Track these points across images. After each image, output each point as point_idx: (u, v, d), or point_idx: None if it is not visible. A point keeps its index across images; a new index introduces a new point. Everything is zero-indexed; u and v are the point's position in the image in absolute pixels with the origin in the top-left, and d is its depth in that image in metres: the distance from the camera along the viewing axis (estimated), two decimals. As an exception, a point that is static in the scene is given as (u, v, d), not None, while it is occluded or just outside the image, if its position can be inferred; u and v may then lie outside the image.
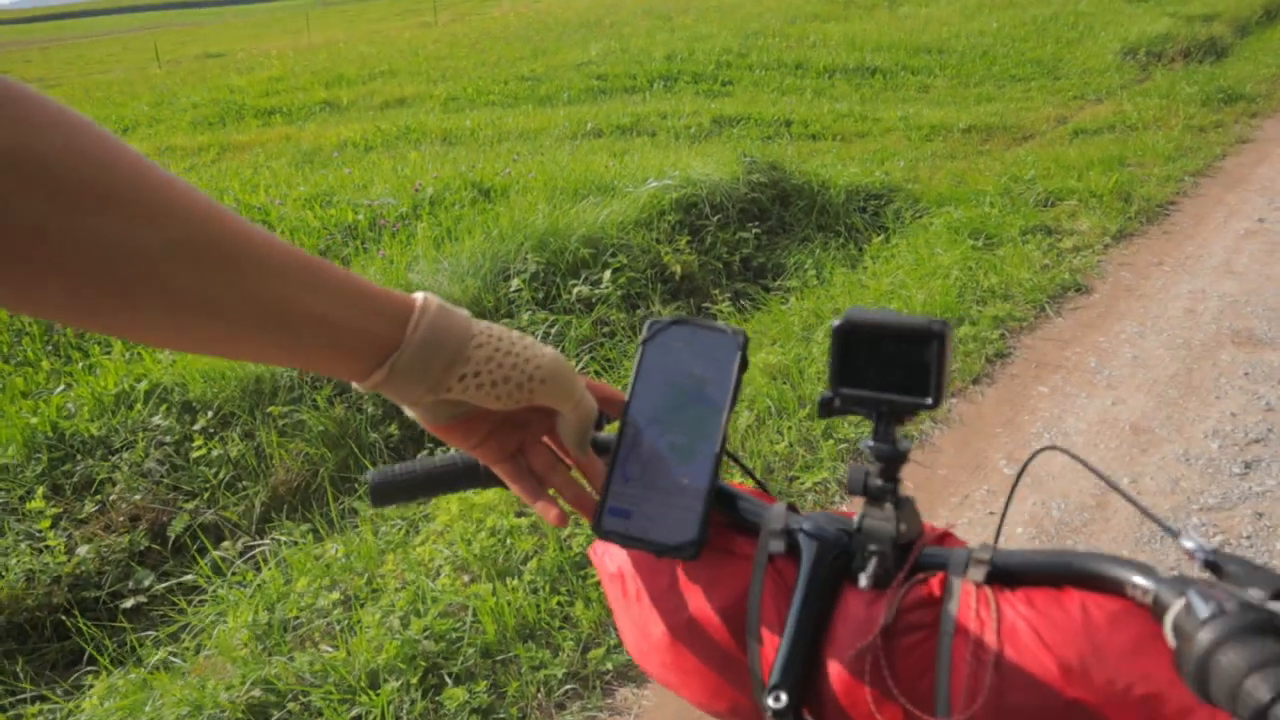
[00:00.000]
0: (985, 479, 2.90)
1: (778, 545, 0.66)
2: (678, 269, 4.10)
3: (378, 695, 2.12)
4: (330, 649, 2.27)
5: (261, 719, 2.10)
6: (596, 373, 3.47)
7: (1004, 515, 0.76)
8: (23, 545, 2.75)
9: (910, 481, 2.90)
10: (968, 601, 0.58)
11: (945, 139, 6.95)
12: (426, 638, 2.25)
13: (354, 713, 2.11)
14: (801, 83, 9.96)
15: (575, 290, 3.86)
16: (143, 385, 3.30)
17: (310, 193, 5.61)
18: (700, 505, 0.68)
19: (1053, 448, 0.70)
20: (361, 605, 2.42)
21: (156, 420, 3.16)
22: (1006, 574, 0.59)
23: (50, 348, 4.01)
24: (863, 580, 0.62)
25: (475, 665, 2.22)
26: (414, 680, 2.16)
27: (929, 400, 0.61)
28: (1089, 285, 4.10)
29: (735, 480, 0.96)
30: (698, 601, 0.69)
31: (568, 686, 2.19)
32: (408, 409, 0.66)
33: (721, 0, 17.69)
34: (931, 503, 2.81)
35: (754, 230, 4.61)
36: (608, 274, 3.95)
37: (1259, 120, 7.09)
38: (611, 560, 0.75)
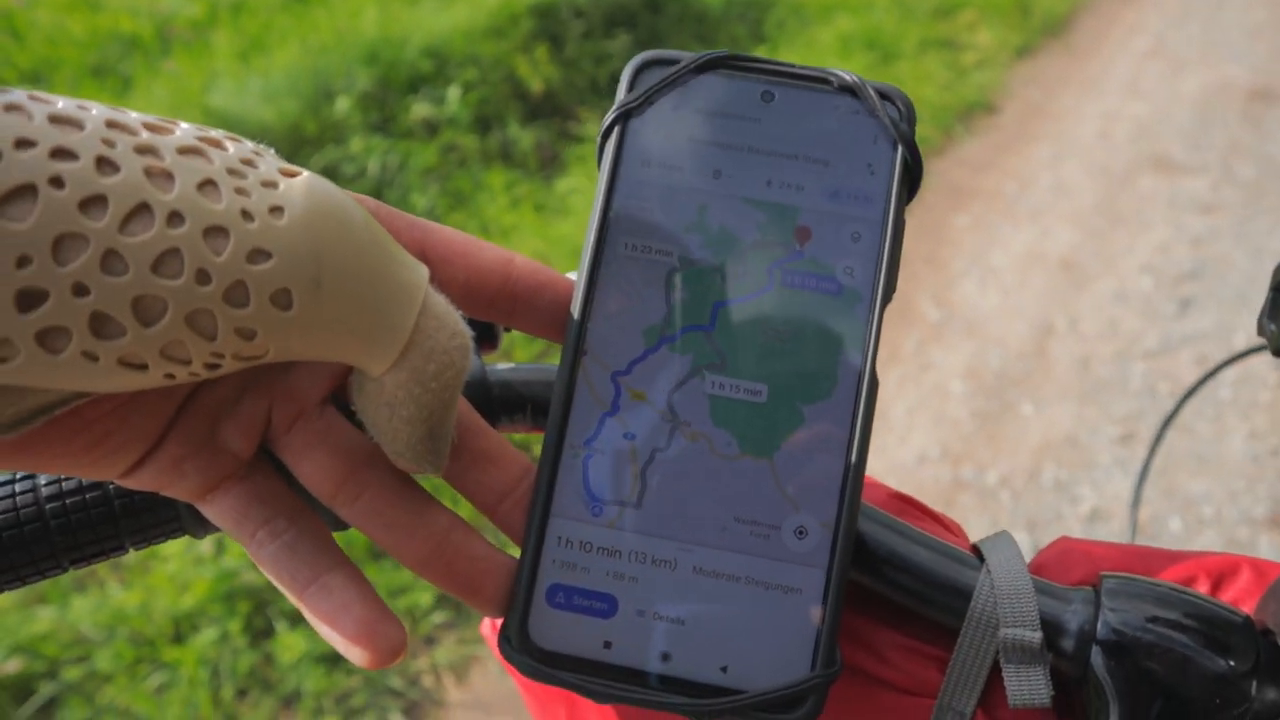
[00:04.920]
0: (912, 327, 2.53)
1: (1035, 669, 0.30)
2: (537, 84, 3.47)
3: (185, 650, 1.60)
4: (121, 590, 1.72)
5: (22, 697, 1.55)
6: (443, 211, 2.86)
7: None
8: None
9: (830, 334, 2.50)
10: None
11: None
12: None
13: (157, 677, 1.59)
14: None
15: (415, 110, 3.19)
16: None
17: (73, -7, 4.55)
18: (819, 577, 0.27)
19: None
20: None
21: None
22: None
23: None
24: None
25: (318, 600, 1.71)
26: (234, 627, 1.64)
27: None
28: (996, 104, 3.72)
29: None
30: None
31: (437, 617, 1.72)
32: None
33: None
34: (856, 358, 2.42)
35: (622, 38, 3.97)
36: (455, 91, 3.29)
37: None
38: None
